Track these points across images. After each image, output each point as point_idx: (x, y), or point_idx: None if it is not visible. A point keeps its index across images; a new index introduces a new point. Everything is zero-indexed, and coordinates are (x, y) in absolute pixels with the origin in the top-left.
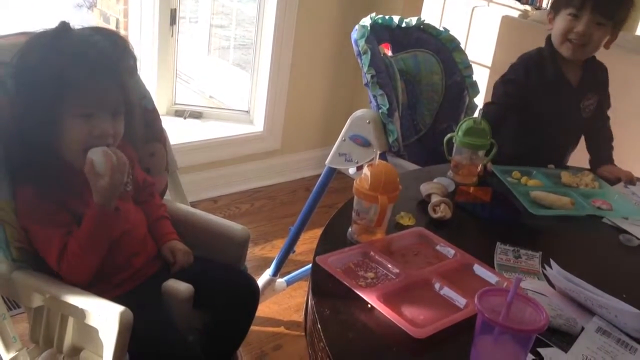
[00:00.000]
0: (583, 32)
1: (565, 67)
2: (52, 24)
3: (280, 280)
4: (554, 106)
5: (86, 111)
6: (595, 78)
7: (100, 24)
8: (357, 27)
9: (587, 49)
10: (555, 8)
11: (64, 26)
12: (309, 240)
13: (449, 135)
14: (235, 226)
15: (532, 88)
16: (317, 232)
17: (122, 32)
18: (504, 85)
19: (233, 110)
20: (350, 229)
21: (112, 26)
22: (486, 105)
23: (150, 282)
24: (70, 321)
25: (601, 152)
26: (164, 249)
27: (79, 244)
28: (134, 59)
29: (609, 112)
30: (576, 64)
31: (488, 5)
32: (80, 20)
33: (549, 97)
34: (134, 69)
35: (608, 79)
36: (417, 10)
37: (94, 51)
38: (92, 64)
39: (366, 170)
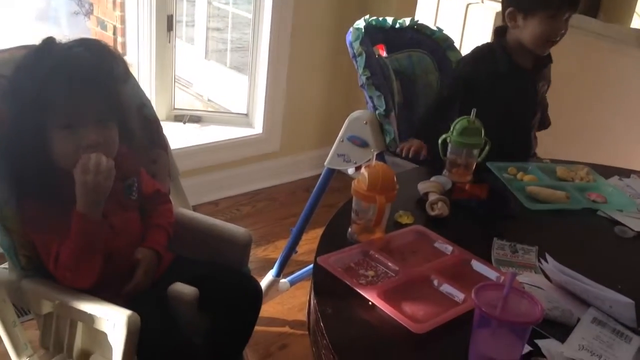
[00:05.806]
0: (565, 31)
1: (517, 56)
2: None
3: (284, 281)
4: (510, 91)
5: (66, 122)
6: (545, 66)
7: (97, 31)
8: (351, 29)
9: None
10: (527, 10)
11: (46, 42)
12: (310, 240)
13: (444, 136)
14: (237, 229)
15: (481, 79)
16: (319, 232)
17: (119, 38)
18: (454, 80)
19: (232, 113)
20: (350, 229)
21: (109, 33)
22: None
23: (156, 285)
24: (80, 326)
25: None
26: (136, 252)
27: (66, 253)
28: (124, 64)
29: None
30: (530, 53)
31: (482, 2)
32: (76, 27)
33: (502, 83)
34: (125, 74)
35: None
36: (411, 11)
37: (72, 63)
38: (69, 76)
39: (364, 171)
